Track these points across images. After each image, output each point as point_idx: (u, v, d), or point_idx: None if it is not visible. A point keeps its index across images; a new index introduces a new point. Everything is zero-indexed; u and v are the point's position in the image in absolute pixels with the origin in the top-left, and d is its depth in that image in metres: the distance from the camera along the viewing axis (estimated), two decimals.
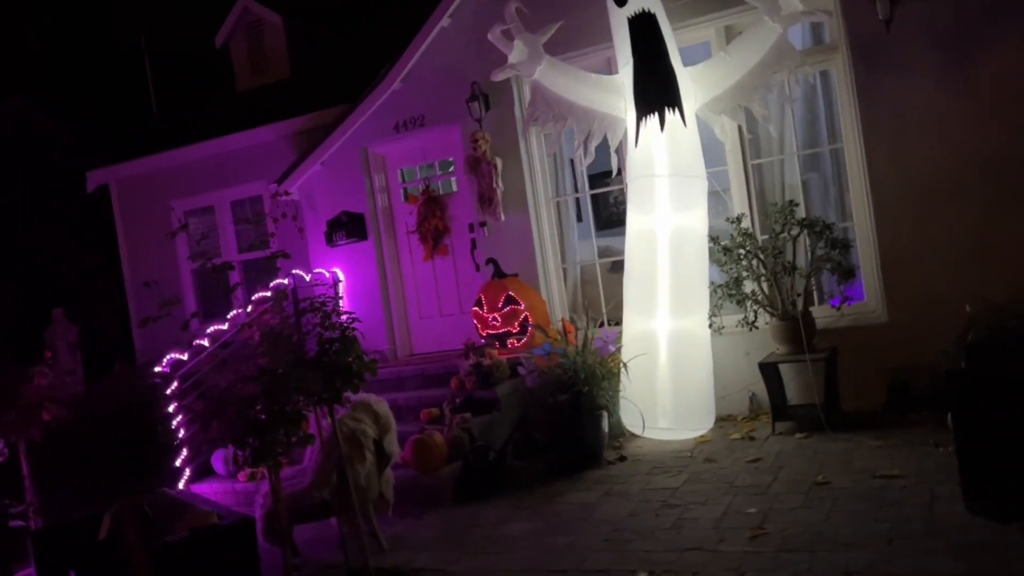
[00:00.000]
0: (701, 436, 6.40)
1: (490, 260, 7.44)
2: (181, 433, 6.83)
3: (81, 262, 12.79)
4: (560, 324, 7.23)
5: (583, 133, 6.63)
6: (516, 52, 6.42)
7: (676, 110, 6.42)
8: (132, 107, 12.67)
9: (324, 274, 8.66)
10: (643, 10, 6.48)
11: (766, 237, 6.51)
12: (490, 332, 7.31)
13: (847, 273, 6.11)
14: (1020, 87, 5.94)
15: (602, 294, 7.62)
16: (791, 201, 6.43)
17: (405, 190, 8.71)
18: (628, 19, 6.49)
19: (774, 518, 4.52)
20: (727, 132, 6.71)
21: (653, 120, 6.41)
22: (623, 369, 6.39)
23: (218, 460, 6.93)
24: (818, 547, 4.05)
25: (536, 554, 4.61)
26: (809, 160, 6.96)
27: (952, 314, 6.03)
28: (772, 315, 6.40)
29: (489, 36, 6.44)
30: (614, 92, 6.66)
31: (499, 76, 6.48)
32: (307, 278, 8.43)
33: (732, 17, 6.92)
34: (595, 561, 4.36)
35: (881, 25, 6.19)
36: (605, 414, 6.27)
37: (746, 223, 6.50)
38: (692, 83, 6.57)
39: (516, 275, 7.48)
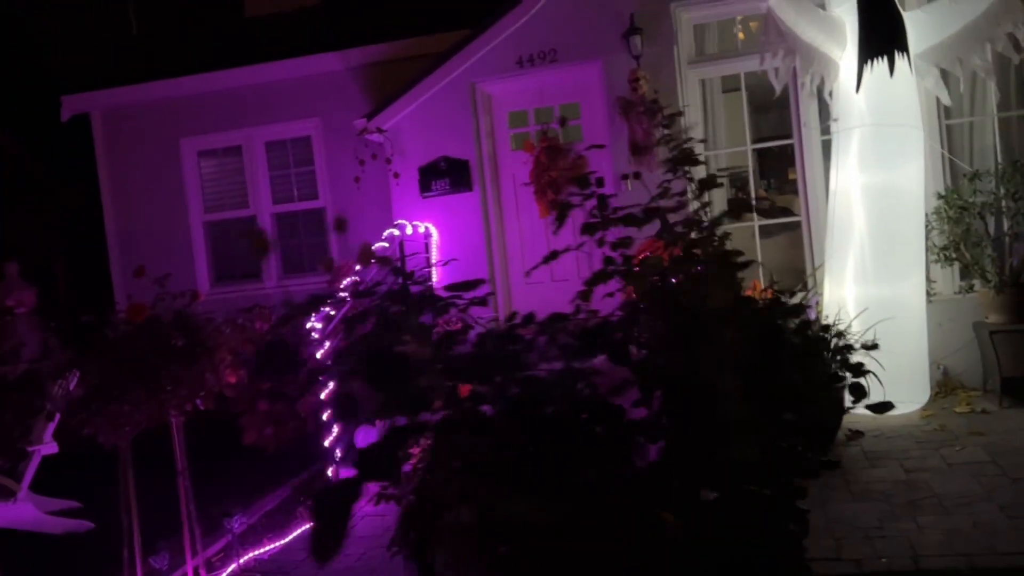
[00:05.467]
0: (924, 410, 5.92)
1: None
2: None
3: (45, 209, 10.58)
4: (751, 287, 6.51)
5: (806, 73, 5.96)
6: None
7: (905, 55, 5.89)
8: (103, 24, 10.57)
9: (419, 228, 7.45)
10: None
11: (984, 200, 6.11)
12: None
13: None
14: None
15: (760, 258, 6.99)
16: (1016, 161, 6.09)
17: (514, 136, 7.66)
18: None
19: None
20: (939, 87, 6.25)
21: (880, 65, 5.85)
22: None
23: (364, 438, 5.65)
24: None
25: None
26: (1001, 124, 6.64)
27: None
28: (988, 282, 6.01)
29: None
30: (831, 31, 6.03)
31: None
32: (409, 230, 7.20)
33: None
34: None
35: None
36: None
37: (984, 182, 6.06)
38: (911, 28, 6.07)
39: None
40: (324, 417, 5.47)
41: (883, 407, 2.24)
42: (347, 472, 5.51)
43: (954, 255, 6.06)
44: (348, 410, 5.46)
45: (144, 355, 3.67)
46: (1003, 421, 5.52)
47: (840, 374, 5.64)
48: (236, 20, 9.67)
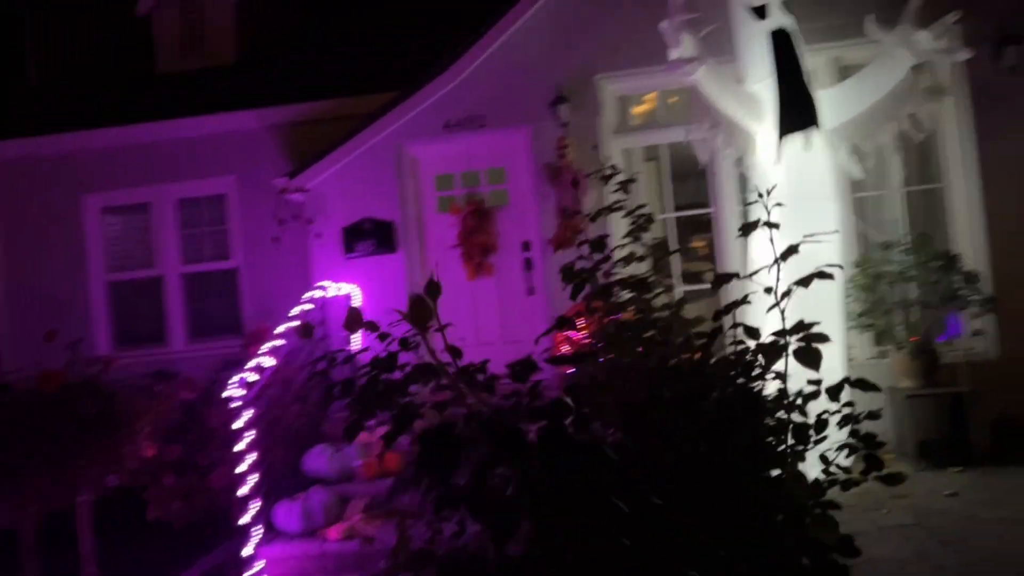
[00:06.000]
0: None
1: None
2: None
3: None
4: None
5: (728, 145, 6.17)
6: (685, 47, 5.85)
7: (819, 131, 6.19)
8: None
9: (341, 290, 7.23)
10: (782, 26, 6.25)
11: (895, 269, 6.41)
12: None
13: (989, 307, 6.16)
14: None
15: None
16: (923, 233, 6.44)
17: (440, 199, 7.59)
18: (770, 33, 6.21)
19: None
20: (850, 161, 6.58)
21: (797, 139, 6.12)
22: None
23: (286, 515, 5.31)
24: None
25: None
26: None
27: None
28: (901, 348, 6.27)
29: (663, 25, 5.80)
30: (750, 106, 6.29)
31: (687, 71, 5.81)
32: (331, 292, 6.97)
33: (845, 49, 6.89)
34: None
35: (1005, 72, 6.45)
36: None
37: (896, 252, 6.36)
38: (824, 105, 6.40)
39: None
40: (243, 491, 5.11)
41: (895, 478, 2.19)
42: (268, 551, 5.15)
43: (869, 322, 6.30)
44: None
45: (54, 427, 3.34)
46: (922, 483, 5.68)
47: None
48: (146, 75, 9.34)
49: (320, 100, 7.98)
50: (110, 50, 9.60)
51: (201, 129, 8.18)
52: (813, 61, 6.94)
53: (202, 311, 8.41)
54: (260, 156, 8.08)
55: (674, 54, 5.89)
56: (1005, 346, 6.51)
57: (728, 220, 7.03)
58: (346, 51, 8.65)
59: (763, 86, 6.28)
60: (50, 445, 3.26)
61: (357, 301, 7.34)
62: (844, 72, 6.93)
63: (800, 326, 2.28)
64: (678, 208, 7.48)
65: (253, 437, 5.06)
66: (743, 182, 6.76)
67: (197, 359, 7.99)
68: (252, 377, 5.18)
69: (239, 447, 5.01)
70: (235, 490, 5.57)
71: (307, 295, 6.55)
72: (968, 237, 6.68)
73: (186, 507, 6.08)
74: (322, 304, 6.75)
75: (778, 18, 6.24)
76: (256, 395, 5.21)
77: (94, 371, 3.76)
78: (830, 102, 6.42)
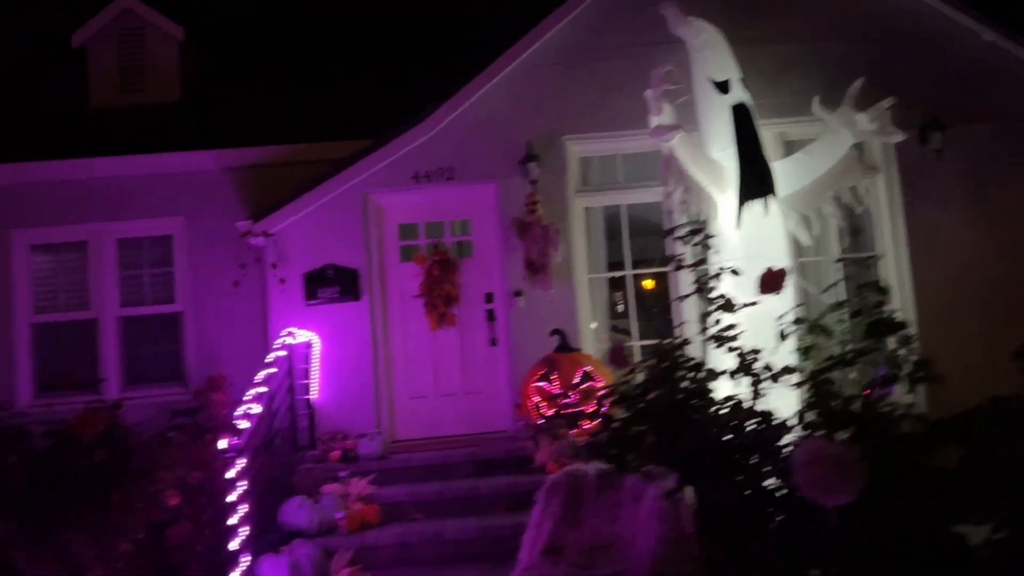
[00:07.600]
0: None
1: (556, 331, 6.77)
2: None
3: None
4: None
5: (697, 208, 6.54)
6: (666, 115, 6.21)
7: (775, 199, 6.68)
8: None
9: (302, 337, 7.07)
10: (742, 101, 6.75)
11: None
12: (558, 411, 6.56)
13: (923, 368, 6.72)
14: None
15: None
16: (865, 286, 6.98)
17: (403, 248, 7.60)
18: (732, 107, 6.69)
19: None
20: (799, 228, 7.10)
21: (756, 206, 6.58)
22: None
23: (273, 570, 5.07)
24: None
25: None
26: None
27: None
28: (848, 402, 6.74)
29: (648, 93, 6.16)
30: (714, 174, 6.71)
31: (668, 137, 6.15)
32: (295, 340, 6.82)
33: (789, 126, 7.48)
34: None
35: (931, 154, 7.19)
36: None
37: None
38: (776, 176, 6.91)
39: (579, 349, 6.90)
40: (234, 545, 4.85)
41: None
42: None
43: (825, 378, 6.71)
44: None
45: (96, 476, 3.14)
46: None
47: None
48: (79, 110, 8.91)
49: (282, 144, 7.87)
50: (41, 81, 9.13)
51: (147, 167, 7.87)
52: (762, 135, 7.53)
53: (139, 357, 7.98)
54: (211, 198, 7.84)
55: (654, 121, 6.25)
56: (932, 403, 7.09)
57: (685, 277, 7.38)
58: (304, 97, 8.59)
59: (724, 155, 6.72)
60: (89, 498, 3.05)
61: (317, 349, 7.20)
62: (788, 146, 7.51)
63: None
64: (637, 266, 7.78)
65: (245, 487, 4.86)
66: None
67: (133, 407, 7.55)
68: (244, 424, 5.00)
69: (231, 498, 4.80)
70: (194, 548, 5.32)
71: (278, 341, 6.39)
72: (900, 303, 7.30)
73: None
74: (290, 351, 6.60)
75: (739, 93, 6.75)
76: (246, 443, 5.02)
77: (109, 417, 3.56)
78: (780, 173, 6.94)
